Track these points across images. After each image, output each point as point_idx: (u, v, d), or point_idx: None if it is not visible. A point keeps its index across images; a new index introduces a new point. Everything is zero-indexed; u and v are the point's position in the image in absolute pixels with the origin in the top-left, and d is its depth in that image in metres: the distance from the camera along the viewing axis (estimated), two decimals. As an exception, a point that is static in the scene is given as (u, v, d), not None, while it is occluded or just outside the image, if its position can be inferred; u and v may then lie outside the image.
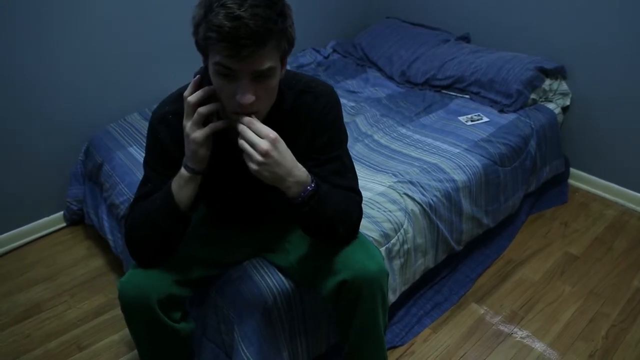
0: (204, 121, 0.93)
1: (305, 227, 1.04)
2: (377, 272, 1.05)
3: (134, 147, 1.86)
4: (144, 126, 2.01)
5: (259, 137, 0.88)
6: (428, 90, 2.26)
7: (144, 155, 1.09)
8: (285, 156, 0.91)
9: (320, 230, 1.02)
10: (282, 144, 0.90)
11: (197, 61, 2.12)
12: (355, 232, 1.08)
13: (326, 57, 2.64)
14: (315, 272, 1.11)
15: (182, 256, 1.10)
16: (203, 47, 0.89)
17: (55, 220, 2.09)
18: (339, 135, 1.08)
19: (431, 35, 2.45)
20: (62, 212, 2.10)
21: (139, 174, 1.69)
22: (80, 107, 2.01)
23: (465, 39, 2.44)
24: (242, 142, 0.89)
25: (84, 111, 2.03)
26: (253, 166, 0.89)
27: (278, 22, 0.84)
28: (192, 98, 0.92)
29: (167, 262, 1.07)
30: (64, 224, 2.11)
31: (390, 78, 2.41)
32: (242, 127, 0.88)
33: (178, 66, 2.24)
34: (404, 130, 1.93)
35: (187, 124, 0.93)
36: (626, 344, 1.50)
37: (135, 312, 1.05)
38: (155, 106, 2.08)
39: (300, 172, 0.93)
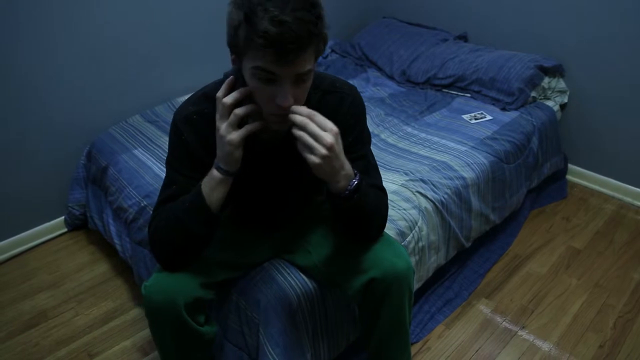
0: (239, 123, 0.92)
1: (343, 222, 1.04)
2: (405, 269, 1.06)
3: (139, 149, 1.84)
4: (146, 128, 1.98)
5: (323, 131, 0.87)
6: (429, 89, 2.28)
7: (167, 156, 1.07)
8: (342, 149, 0.91)
9: (357, 225, 1.03)
10: (339, 137, 0.89)
11: (198, 62, 2.16)
12: (383, 229, 1.09)
13: (324, 57, 2.65)
14: (342, 272, 1.11)
15: (207, 259, 1.09)
16: (242, 49, 0.87)
17: (56, 225, 2.05)
18: (364, 134, 1.09)
19: (430, 34, 2.48)
20: (62, 217, 2.06)
21: (147, 177, 1.68)
22: (80, 109, 1.97)
23: (463, 37, 2.47)
24: (302, 134, 0.86)
25: (84, 114, 1.99)
26: (316, 159, 0.86)
27: (317, 25, 0.84)
28: (228, 99, 0.91)
29: (192, 265, 1.06)
30: (65, 230, 2.07)
31: (391, 77, 2.43)
32: (304, 120, 0.86)
33: (178, 67, 2.22)
34: (409, 129, 1.95)
35: (222, 126, 0.92)
36: (634, 334, 1.54)
37: (162, 316, 1.03)
38: (155, 108, 2.11)
39: (348, 165, 0.93)
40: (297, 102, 0.90)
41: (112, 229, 1.77)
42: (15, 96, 1.79)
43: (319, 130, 0.87)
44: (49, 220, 2.03)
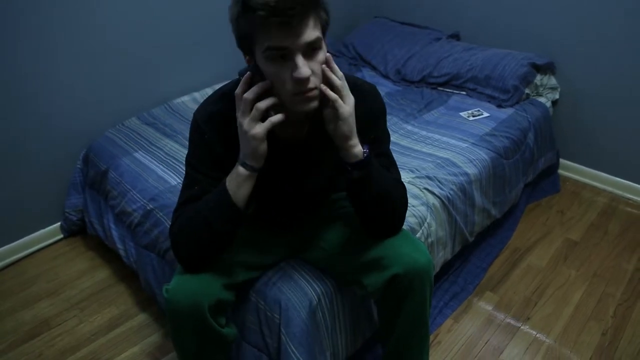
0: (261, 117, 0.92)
1: (364, 205, 1.05)
2: (426, 264, 1.08)
3: (140, 152, 1.81)
4: (145, 130, 1.96)
5: None
6: (425, 88, 2.31)
7: (187, 156, 1.05)
8: None
9: (379, 208, 1.04)
10: None
11: (195, 64, 2.16)
12: (403, 219, 1.10)
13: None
14: (363, 269, 1.12)
15: (227, 260, 1.09)
16: (249, 37, 0.89)
17: (52, 232, 2.00)
18: (385, 132, 1.10)
19: (423, 33, 2.51)
20: (58, 224, 2.01)
21: (151, 180, 1.66)
22: (75, 112, 1.93)
23: (456, 36, 2.52)
24: (344, 83, 0.95)
25: (79, 116, 1.95)
26: (348, 109, 0.94)
27: None
28: (248, 95, 0.91)
29: (214, 267, 1.05)
30: (61, 236, 2.02)
31: (386, 76, 2.45)
32: (342, 74, 0.94)
33: (175, 69, 2.20)
34: (409, 127, 1.98)
35: (245, 121, 0.92)
36: (634, 321, 1.60)
37: (186, 319, 1.02)
38: (151, 110, 2.08)
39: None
40: (317, 76, 0.91)
41: (114, 233, 1.74)
42: (10, 99, 1.74)
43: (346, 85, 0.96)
44: (44, 227, 1.98)
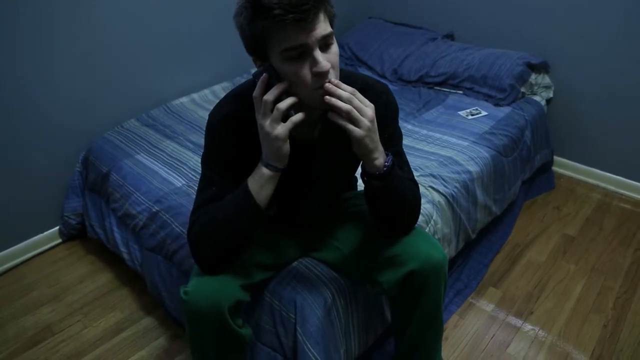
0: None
1: (380, 208, 1.05)
2: (442, 260, 1.09)
3: (142, 154, 1.79)
4: (145, 132, 1.94)
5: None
6: (422, 87, 2.33)
7: (203, 157, 1.05)
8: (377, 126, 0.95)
9: (394, 210, 1.05)
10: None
11: (193, 65, 2.15)
12: (417, 219, 1.12)
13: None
14: (378, 266, 1.13)
15: (243, 261, 1.08)
16: (263, 41, 0.89)
17: (50, 236, 1.96)
18: (398, 131, 1.12)
19: (418, 34, 2.54)
20: (56, 228, 1.97)
21: (155, 182, 1.64)
22: (73, 113, 1.90)
23: (450, 37, 2.55)
24: (351, 108, 0.89)
25: (76, 118, 1.92)
26: (361, 132, 0.90)
27: None
28: (269, 96, 0.91)
29: (232, 268, 1.05)
30: (59, 240, 1.99)
31: (382, 76, 2.47)
32: (349, 95, 0.90)
33: (173, 70, 2.18)
34: (410, 127, 1.99)
35: (266, 123, 0.92)
36: (633, 312, 1.64)
37: (206, 321, 1.01)
38: (150, 111, 2.06)
39: (380, 143, 0.97)
40: (335, 70, 0.91)
41: (117, 236, 1.72)
42: (8, 100, 1.70)
43: (361, 105, 0.91)
44: (42, 232, 1.94)
